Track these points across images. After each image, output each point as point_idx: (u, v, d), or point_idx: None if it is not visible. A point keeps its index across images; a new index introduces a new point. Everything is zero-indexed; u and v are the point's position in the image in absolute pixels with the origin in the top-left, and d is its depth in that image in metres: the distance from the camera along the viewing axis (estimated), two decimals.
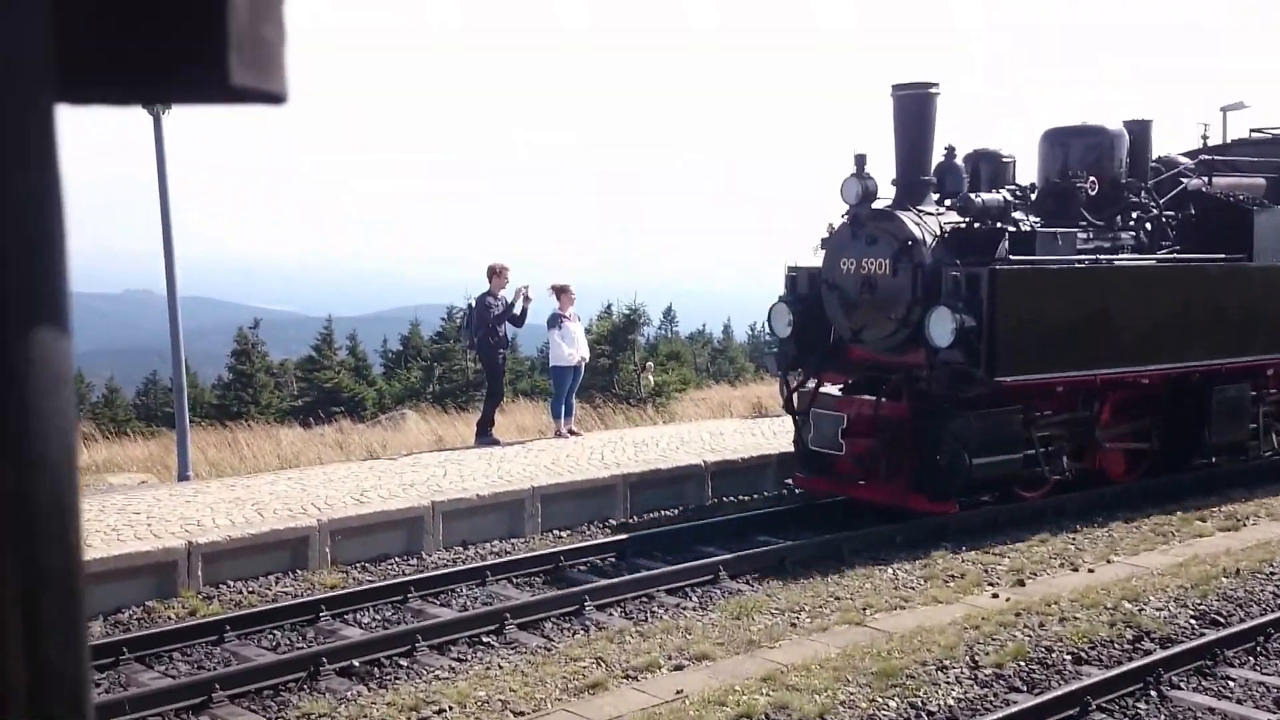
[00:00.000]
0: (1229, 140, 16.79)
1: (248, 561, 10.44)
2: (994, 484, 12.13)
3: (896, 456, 12.07)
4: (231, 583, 10.23)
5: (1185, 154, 15.64)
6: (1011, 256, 12.10)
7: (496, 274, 15.05)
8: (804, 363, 13.14)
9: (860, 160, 12.45)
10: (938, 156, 12.80)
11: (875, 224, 12.45)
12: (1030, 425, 12.24)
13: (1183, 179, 14.44)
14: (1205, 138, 16.17)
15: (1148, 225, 13.83)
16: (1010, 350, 11.69)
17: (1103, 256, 12.92)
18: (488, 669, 8.14)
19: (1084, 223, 13.24)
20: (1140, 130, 14.49)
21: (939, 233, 12.26)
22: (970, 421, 11.66)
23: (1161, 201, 13.91)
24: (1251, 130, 16.62)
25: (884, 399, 12.20)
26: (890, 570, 10.43)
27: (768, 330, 13.93)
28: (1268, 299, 13.89)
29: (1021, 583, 10.02)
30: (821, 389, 13.08)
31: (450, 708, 7.35)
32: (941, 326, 11.59)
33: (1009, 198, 12.32)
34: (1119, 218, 13.64)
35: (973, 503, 12.05)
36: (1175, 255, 13.59)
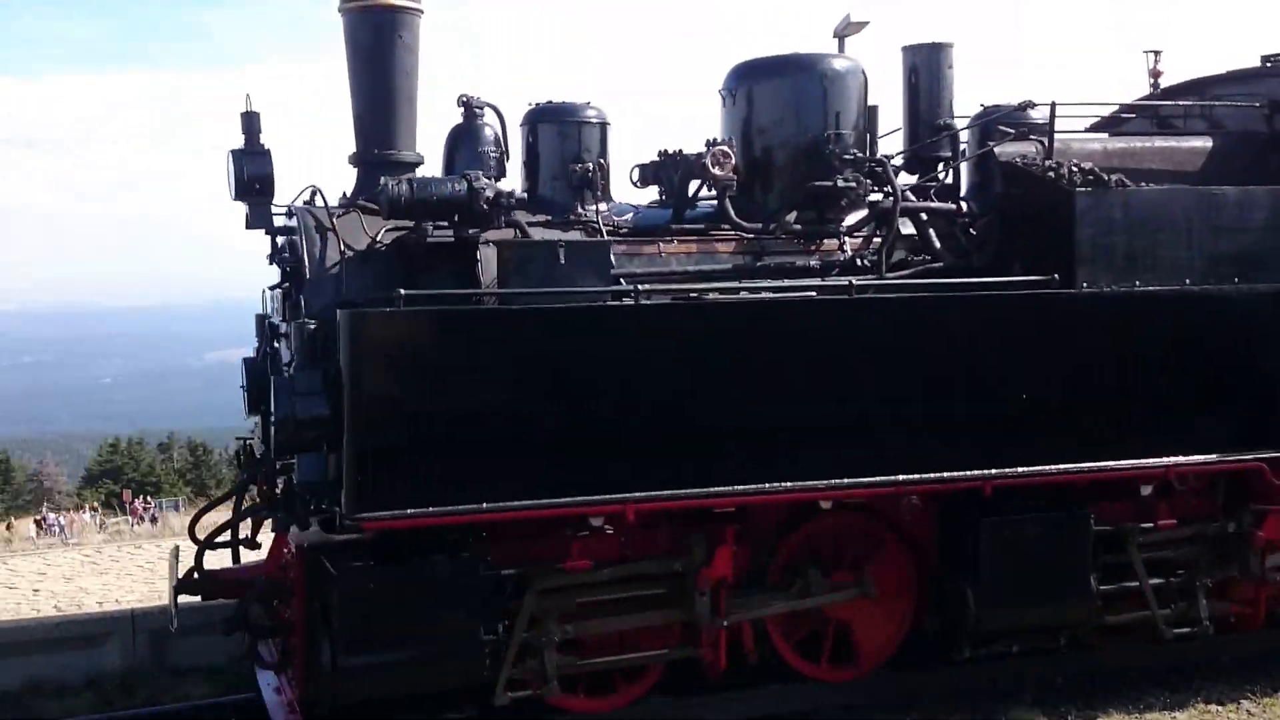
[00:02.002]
0: (1224, 74, 9.88)
1: None
2: (395, 705, 6.70)
3: (276, 631, 6.97)
4: None
5: (1137, 101, 9.29)
6: (452, 292, 6.73)
7: None
8: (265, 459, 8.08)
9: (249, 123, 7.31)
10: (450, 115, 7.54)
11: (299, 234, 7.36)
12: (526, 590, 6.81)
13: (991, 141, 8.20)
14: (1156, 73, 9.57)
15: (889, 226, 7.77)
16: (395, 463, 6.33)
17: (692, 288, 7.12)
18: None
19: (726, 226, 7.54)
20: (926, 61, 8.47)
21: (368, 246, 7.05)
22: (336, 587, 6.42)
23: (903, 188, 7.82)
24: (1264, 58, 9.72)
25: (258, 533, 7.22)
26: None
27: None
28: (1106, 355, 7.51)
29: None
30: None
31: None
32: (276, 417, 6.45)
33: (472, 180, 6.79)
34: (822, 212, 7.75)
35: None
36: (880, 282, 7.41)
